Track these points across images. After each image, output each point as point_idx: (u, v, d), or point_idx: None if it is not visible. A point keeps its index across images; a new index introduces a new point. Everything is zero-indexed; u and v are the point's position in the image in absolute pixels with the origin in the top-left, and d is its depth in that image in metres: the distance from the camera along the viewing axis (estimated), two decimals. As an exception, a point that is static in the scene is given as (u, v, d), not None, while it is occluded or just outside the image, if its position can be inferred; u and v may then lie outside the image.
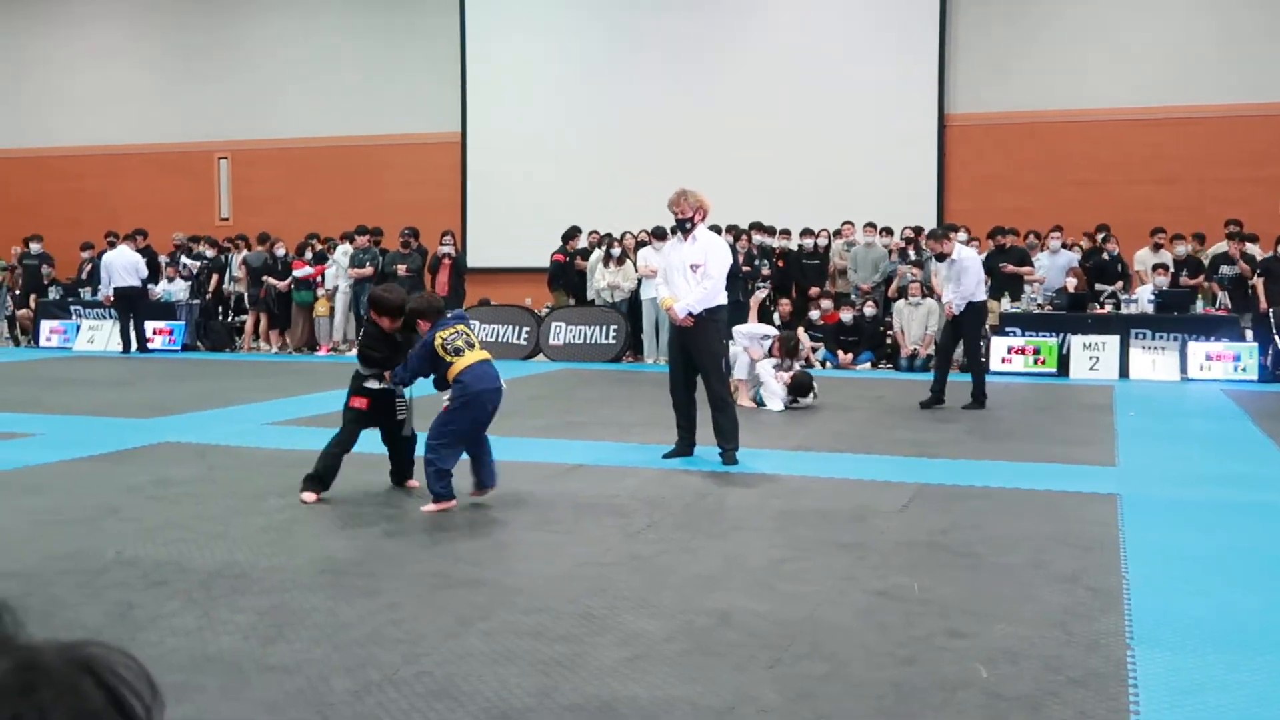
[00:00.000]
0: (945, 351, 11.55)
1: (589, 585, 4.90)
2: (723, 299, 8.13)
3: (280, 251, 17.72)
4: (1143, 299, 14.53)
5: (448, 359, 6.46)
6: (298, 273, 17.30)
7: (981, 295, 11.34)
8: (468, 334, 6.60)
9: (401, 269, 16.55)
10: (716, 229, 13.04)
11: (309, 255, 17.59)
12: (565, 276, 17.43)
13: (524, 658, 4.00)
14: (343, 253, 17.46)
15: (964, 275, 11.07)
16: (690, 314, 7.89)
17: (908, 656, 4.03)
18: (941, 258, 11.39)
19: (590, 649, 4.10)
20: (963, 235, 15.38)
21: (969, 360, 11.72)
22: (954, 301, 11.14)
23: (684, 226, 8.12)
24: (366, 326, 7.32)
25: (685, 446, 8.13)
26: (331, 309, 17.39)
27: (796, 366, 11.45)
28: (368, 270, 16.85)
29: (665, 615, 4.49)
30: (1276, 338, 13.72)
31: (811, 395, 11.14)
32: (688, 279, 8.00)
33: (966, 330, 11.42)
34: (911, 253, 16.07)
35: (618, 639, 4.21)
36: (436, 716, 3.49)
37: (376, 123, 22.56)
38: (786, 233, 17.18)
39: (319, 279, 17.37)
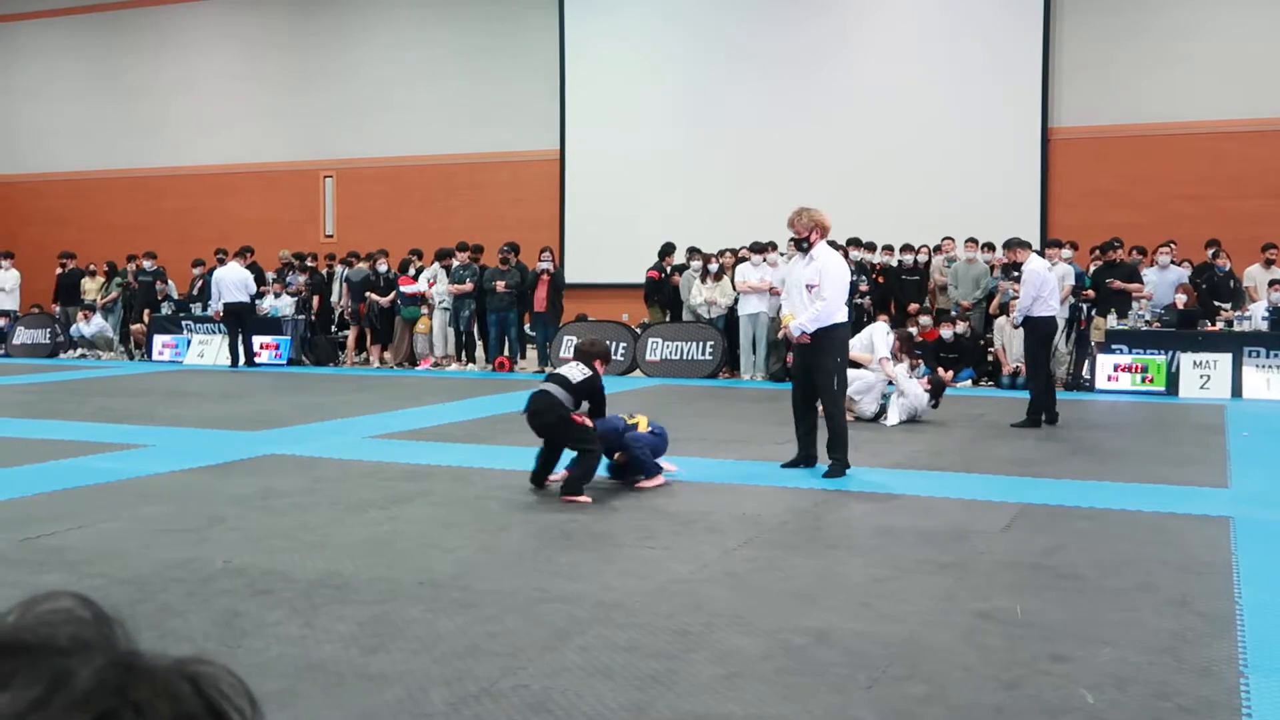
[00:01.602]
0: (1034, 367, 11.30)
1: (685, 601, 4.89)
2: (841, 317, 8.19)
3: (383, 268, 18.03)
4: (1256, 316, 14.09)
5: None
6: (405, 289, 17.57)
7: (1044, 311, 11.00)
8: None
9: (500, 285, 16.73)
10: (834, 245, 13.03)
11: (412, 271, 17.87)
12: (661, 292, 17.46)
13: (620, 673, 4.00)
14: (429, 275, 17.70)
15: (1024, 287, 11.00)
16: (804, 332, 7.95)
17: (1010, 680, 3.94)
18: (1013, 267, 11.32)
19: (686, 665, 4.08)
20: (1068, 252, 15.12)
21: (1028, 375, 11.52)
22: (1015, 315, 11.18)
23: (801, 246, 8.20)
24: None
25: (804, 457, 8.20)
26: (431, 325, 17.64)
27: (921, 368, 11.61)
28: (468, 286, 17.06)
29: (761, 633, 4.46)
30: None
31: (935, 404, 11.24)
32: (804, 298, 8.05)
33: (1027, 344, 11.35)
34: (1014, 269, 15.77)
35: (713, 656, 4.19)
36: (533, 730, 3.50)
37: (477, 140, 22.88)
38: (889, 248, 17.01)
39: (426, 295, 17.61)
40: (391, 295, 17.65)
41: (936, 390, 11.26)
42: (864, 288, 15.87)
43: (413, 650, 4.24)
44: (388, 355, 18.03)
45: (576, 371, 7.67)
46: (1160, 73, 18.59)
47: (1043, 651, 4.24)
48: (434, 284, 17.56)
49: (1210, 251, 15.58)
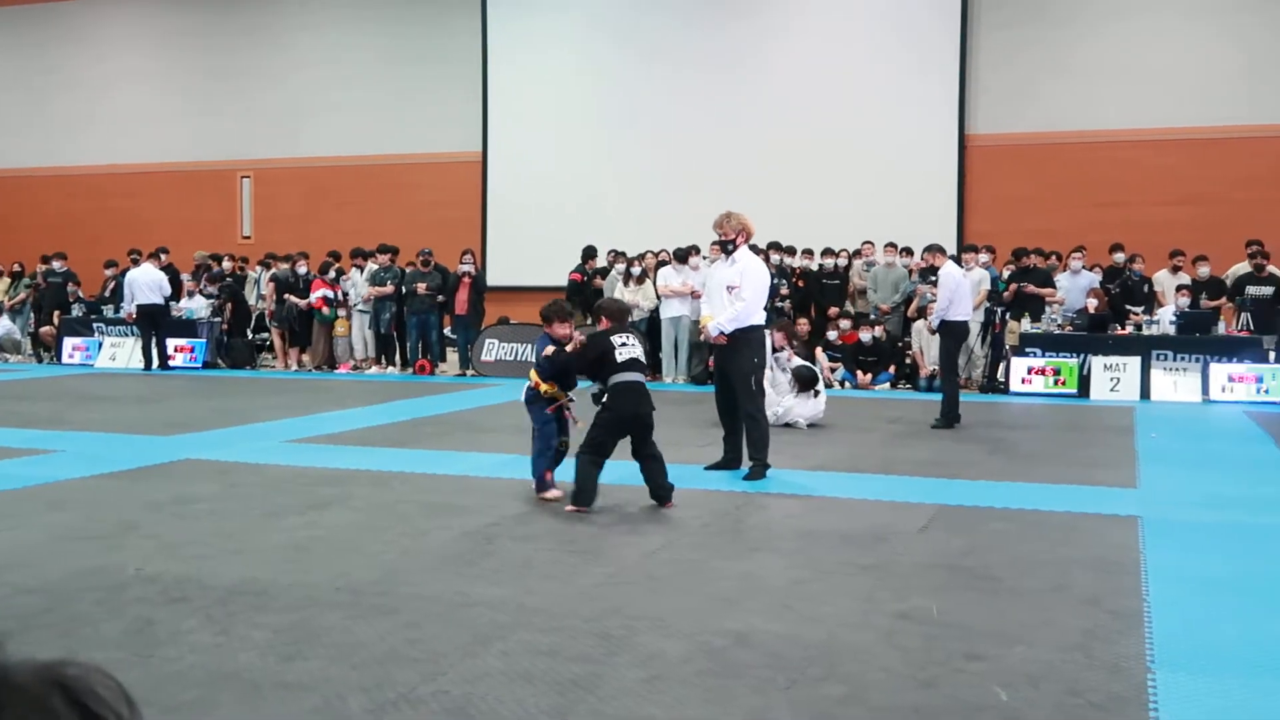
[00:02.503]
0: (948, 366, 11.62)
1: (606, 605, 4.89)
2: (758, 319, 8.29)
3: (302, 269, 17.81)
4: (1164, 320, 14.45)
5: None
6: (316, 294, 17.34)
7: (957, 315, 11.27)
8: None
9: (421, 287, 16.61)
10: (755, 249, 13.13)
11: (331, 275, 17.66)
12: (583, 295, 17.45)
13: (541, 678, 3.99)
14: (349, 281, 17.53)
15: (939, 291, 11.27)
16: (722, 332, 8.02)
17: (927, 679, 4.00)
18: (931, 271, 11.56)
19: (608, 669, 4.09)
20: (985, 256, 15.39)
21: (942, 378, 11.63)
22: (933, 319, 11.40)
23: (725, 247, 8.30)
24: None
25: (728, 460, 8.32)
26: (350, 328, 17.45)
27: (796, 360, 11.55)
28: (388, 289, 16.91)
29: (682, 636, 4.48)
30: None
31: (815, 392, 11.10)
32: (724, 299, 8.14)
33: (941, 346, 11.54)
34: (932, 273, 16.03)
35: (635, 659, 4.20)
36: (453, 736, 3.48)
37: (398, 142, 22.70)
38: (809, 252, 17.17)
39: (338, 296, 17.40)
40: (318, 298, 17.38)
41: (804, 382, 11.10)
42: (784, 291, 15.99)
43: (331, 657, 4.20)
44: (306, 358, 17.80)
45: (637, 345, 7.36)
46: (1073, 82, 19.01)
47: (959, 651, 4.31)
48: (339, 287, 17.35)
49: (1120, 257, 15.95)
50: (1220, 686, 3.95)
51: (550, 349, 7.30)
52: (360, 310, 17.28)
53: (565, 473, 7.12)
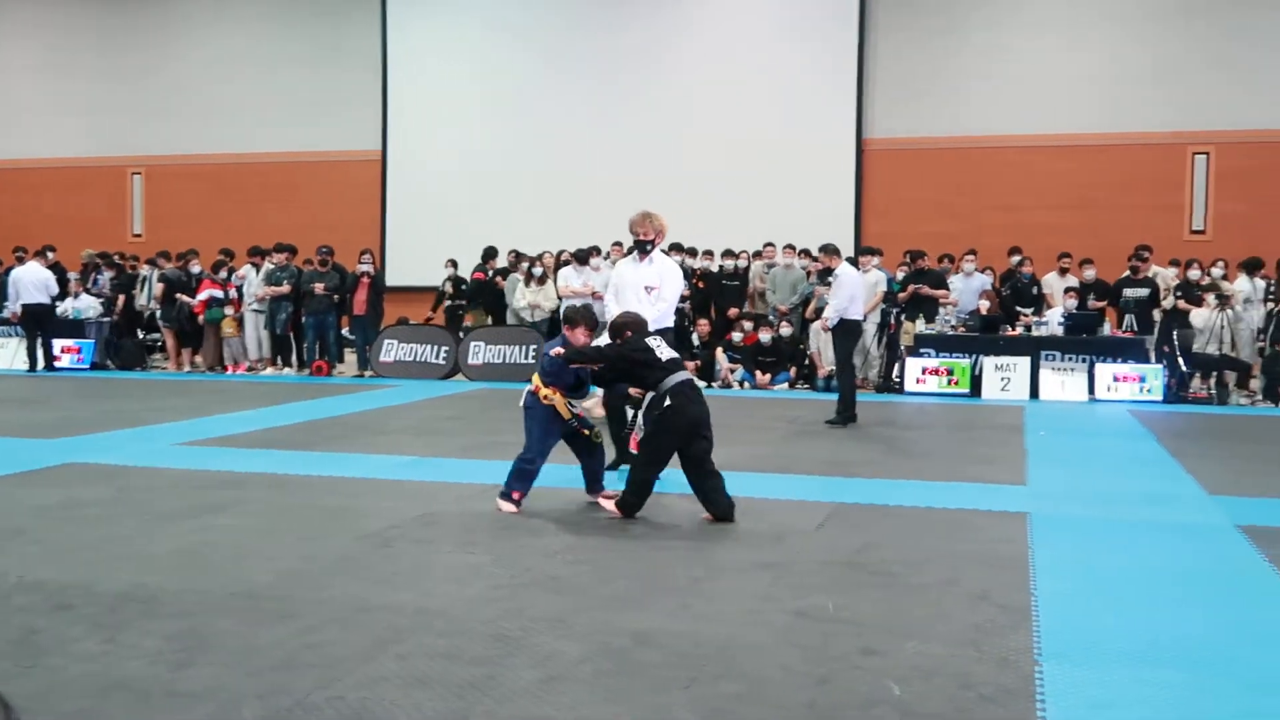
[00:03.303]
0: (843, 366, 11.73)
1: (505, 606, 4.88)
2: (670, 321, 8.33)
3: (195, 269, 17.42)
4: (1052, 321, 14.84)
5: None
6: (202, 295, 16.96)
7: (855, 314, 11.51)
8: None
9: (319, 287, 16.38)
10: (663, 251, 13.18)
11: (222, 274, 17.30)
12: (484, 296, 17.37)
13: (438, 681, 3.96)
14: (241, 273, 17.22)
15: (838, 290, 11.37)
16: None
17: (823, 676, 4.06)
18: (828, 273, 11.61)
19: (505, 671, 4.08)
20: (876, 259, 15.67)
21: (839, 376, 11.76)
22: (829, 317, 11.47)
23: (644, 248, 8.26)
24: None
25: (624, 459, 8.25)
26: (241, 329, 17.12)
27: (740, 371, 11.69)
28: (284, 288, 16.64)
29: (581, 636, 4.48)
30: (1180, 360, 14.09)
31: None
32: (641, 299, 8.10)
33: (837, 345, 11.67)
34: (830, 274, 16.25)
35: (533, 660, 4.19)
36: (349, 741, 3.44)
37: (296, 140, 22.36)
38: (710, 254, 17.29)
39: (225, 295, 17.04)
40: (206, 298, 17.01)
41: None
42: (685, 292, 16.08)
43: (224, 664, 4.12)
44: (199, 359, 17.43)
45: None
46: (968, 89, 19.45)
47: (854, 646, 4.38)
48: (231, 286, 17.02)
49: (1015, 259, 16.34)
50: (1104, 677, 4.08)
51: (559, 349, 6.91)
52: (255, 310, 16.97)
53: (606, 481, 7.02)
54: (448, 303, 17.81)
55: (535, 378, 7.02)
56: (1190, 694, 3.93)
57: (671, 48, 20.64)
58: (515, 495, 6.87)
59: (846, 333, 11.50)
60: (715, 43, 20.44)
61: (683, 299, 15.86)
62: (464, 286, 17.82)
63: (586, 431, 7.04)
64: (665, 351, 6.74)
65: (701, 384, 6.52)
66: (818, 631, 4.58)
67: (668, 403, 6.50)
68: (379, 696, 3.81)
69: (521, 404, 7.10)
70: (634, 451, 7.12)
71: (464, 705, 3.74)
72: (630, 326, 6.95)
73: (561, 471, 8.29)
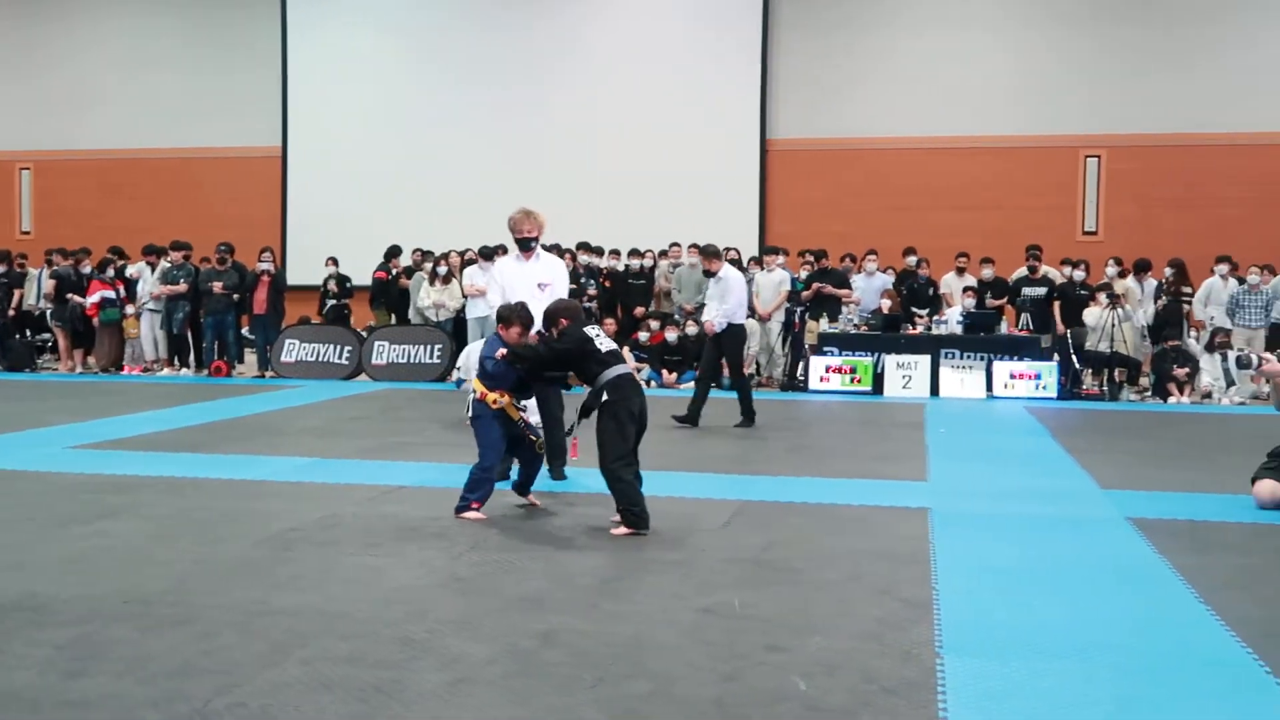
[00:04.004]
0: (707, 374, 11.44)
1: (410, 609, 4.82)
2: None
3: (86, 269, 16.94)
4: (951, 320, 15.12)
5: None
6: (93, 296, 16.51)
7: (741, 318, 11.30)
8: None
9: (217, 286, 16.06)
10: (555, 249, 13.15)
11: (110, 274, 16.84)
12: (387, 295, 17.18)
13: (342, 685, 3.90)
14: (135, 271, 16.82)
15: (727, 294, 11.03)
16: (539, 332, 7.84)
17: (729, 672, 4.09)
18: (709, 274, 11.38)
19: (411, 674, 4.03)
20: (781, 259, 15.84)
21: (733, 380, 11.54)
22: (715, 320, 11.09)
23: (528, 245, 8.19)
24: None
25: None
26: (139, 328, 16.72)
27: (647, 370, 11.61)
28: (181, 287, 16.28)
29: (488, 638, 4.45)
30: (1074, 357, 14.46)
31: None
32: (534, 296, 8.01)
33: (727, 350, 11.34)
34: (734, 274, 16.38)
35: (439, 663, 4.15)
36: (250, 749, 3.38)
37: (193, 135, 21.90)
38: (616, 253, 17.31)
39: (117, 293, 16.61)
40: (98, 299, 16.55)
41: None
42: (592, 291, 16.10)
43: (119, 672, 4.01)
44: (91, 360, 16.97)
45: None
46: (869, 92, 19.75)
47: (760, 643, 4.41)
48: (122, 284, 16.60)
49: (913, 260, 16.63)
50: (1003, 669, 4.16)
51: (501, 350, 6.63)
52: (151, 310, 16.57)
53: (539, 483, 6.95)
54: (332, 301, 17.38)
55: (478, 384, 6.73)
56: (1083, 682, 4.03)
57: (576, 48, 20.62)
58: (475, 505, 6.64)
59: (733, 337, 11.25)
60: (620, 43, 20.47)
61: (590, 298, 15.88)
62: (348, 284, 17.51)
63: (534, 439, 6.85)
64: (605, 342, 6.56)
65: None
66: (724, 628, 4.60)
67: (606, 397, 6.31)
68: (281, 702, 3.74)
69: (468, 416, 6.88)
70: (574, 456, 7.10)
71: (369, 710, 3.69)
72: (564, 314, 6.69)
73: (466, 472, 8.22)
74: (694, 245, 16.76)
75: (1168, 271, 15.32)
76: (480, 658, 4.22)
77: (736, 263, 16.46)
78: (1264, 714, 3.78)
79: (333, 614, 4.73)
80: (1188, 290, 15.16)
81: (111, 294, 16.59)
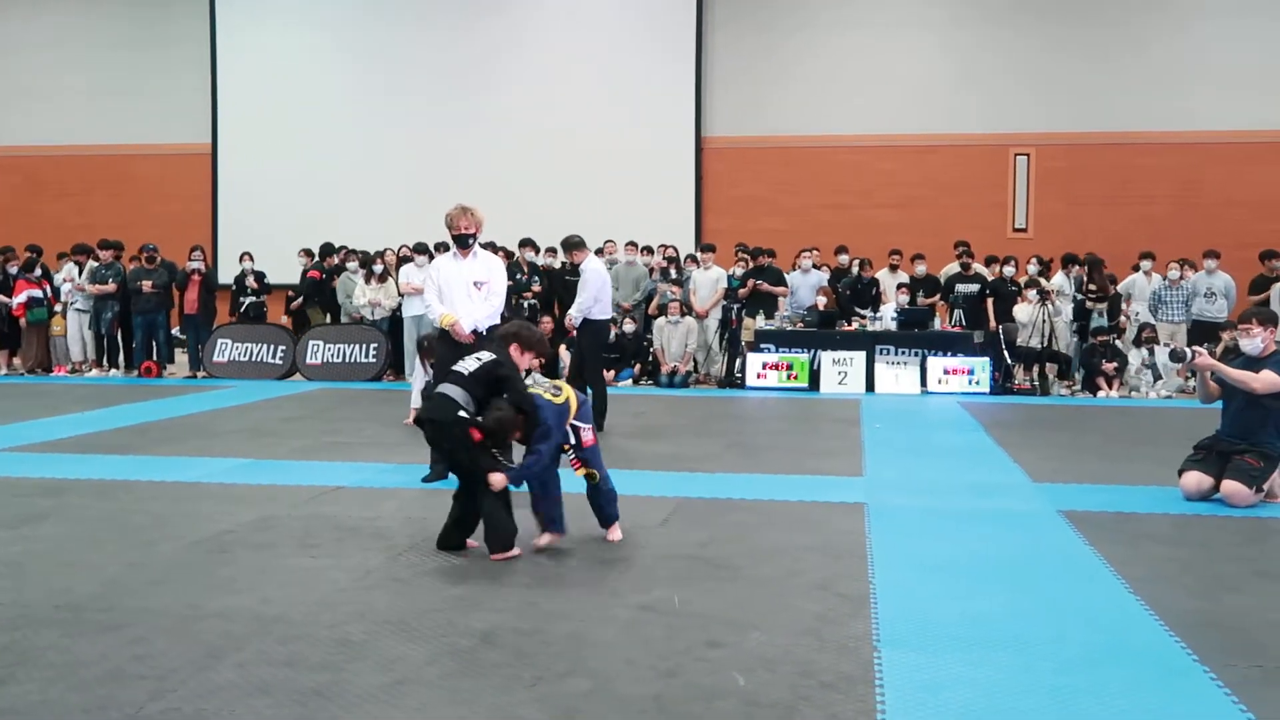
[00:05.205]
0: (577, 370, 10.82)
1: (349, 610, 4.78)
2: (498, 319, 8.16)
3: (14, 269, 16.56)
4: (886, 317, 15.27)
5: (561, 400, 5.83)
6: (20, 297, 16.15)
7: (599, 314, 10.70)
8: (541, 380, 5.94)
9: (147, 285, 15.79)
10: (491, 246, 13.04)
11: (37, 273, 16.49)
12: (322, 294, 17.00)
13: (279, 688, 3.86)
14: (67, 272, 16.50)
15: (584, 288, 10.59)
16: (475, 331, 7.77)
17: (669, 669, 4.10)
18: (574, 266, 10.97)
19: (350, 676, 4.00)
20: (710, 257, 15.95)
21: (588, 378, 10.56)
22: (573, 315, 10.64)
23: (465, 242, 8.07)
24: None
25: (444, 469, 8.01)
26: (66, 328, 16.39)
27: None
28: (110, 287, 15.99)
29: (427, 638, 4.43)
30: (1006, 353, 14.66)
31: None
32: (470, 295, 7.92)
33: (584, 346, 10.75)
34: (672, 271, 16.43)
35: (378, 664, 4.12)
36: (185, 755, 3.33)
37: (121, 132, 21.50)
38: (553, 250, 17.25)
39: (44, 293, 16.27)
40: (23, 299, 16.19)
41: None
42: (537, 289, 16.05)
43: (49, 679, 3.94)
44: (17, 361, 16.61)
45: (474, 363, 5.87)
46: (802, 89, 19.88)
47: (699, 639, 4.43)
48: (47, 284, 16.27)
49: (845, 258, 16.76)
50: (939, 661, 4.22)
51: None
52: (78, 310, 16.26)
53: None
54: (250, 299, 17.02)
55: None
56: (1017, 673, 4.09)
57: (511, 48, 20.53)
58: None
59: (592, 334, 10.70)
60: (555, 44, 20.41)
61: (534, 295, 15.84)
62: (264, 281, 17.22)
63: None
64: (466, 360, 5.98)
65: (547, 381, 6.14)
66: (663, 625, 4.62)
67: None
68: (217, 707, 3.69)
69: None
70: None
71: (307, 712, 3.66)
72: (517, 339, 6.05)
73: (405, 471, 8.17)
74: (630, 243, 16.80)
75: (1074, 269, 15.47)
76: (419, 658, 4.20)
77: (681, 262, 16.49)
78: (1192, 701, 3.86)
79: (269, 617, 4.68)
80: (1094, 290, 15.29)
81: (39, 293, 16.26)
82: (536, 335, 6.17)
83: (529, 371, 6.12)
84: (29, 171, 21.88)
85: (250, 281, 16.99)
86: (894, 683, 3.96)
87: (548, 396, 5.80)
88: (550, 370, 9.67)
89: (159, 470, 8.21)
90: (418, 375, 11.11)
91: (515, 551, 5.69)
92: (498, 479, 5.67)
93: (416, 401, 10.92)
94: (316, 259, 17.38)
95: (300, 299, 17.18)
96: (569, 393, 5.92)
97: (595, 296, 10.63)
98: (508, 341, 6.06)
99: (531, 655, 4.23)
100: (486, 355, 5.93)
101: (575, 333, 10.79)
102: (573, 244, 11.06)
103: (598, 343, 10.94)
